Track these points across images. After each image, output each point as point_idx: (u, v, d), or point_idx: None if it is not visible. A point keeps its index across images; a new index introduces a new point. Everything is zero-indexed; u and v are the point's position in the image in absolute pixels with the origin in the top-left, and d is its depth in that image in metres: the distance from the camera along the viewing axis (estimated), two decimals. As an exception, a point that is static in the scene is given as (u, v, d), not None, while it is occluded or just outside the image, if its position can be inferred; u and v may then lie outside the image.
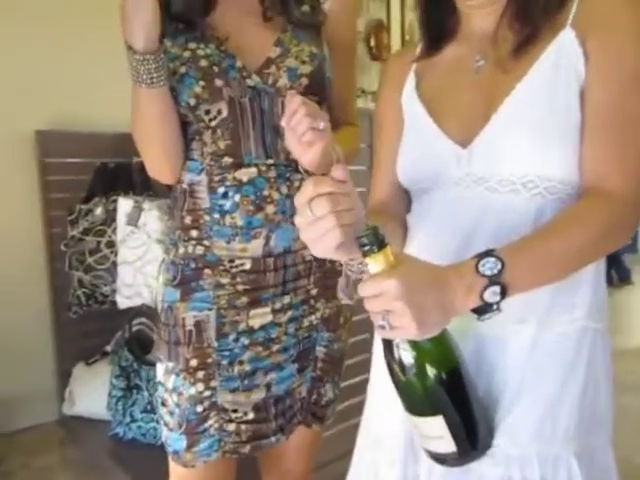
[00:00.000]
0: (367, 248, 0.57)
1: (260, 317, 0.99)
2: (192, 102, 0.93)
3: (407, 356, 0.60)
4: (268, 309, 0.99)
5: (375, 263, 0.58)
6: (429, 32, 0.81)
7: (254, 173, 0.95)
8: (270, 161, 0.96)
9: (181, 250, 1.00)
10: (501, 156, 0.70)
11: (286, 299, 1.01)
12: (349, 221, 0.59)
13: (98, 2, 2.25)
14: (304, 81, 0.96)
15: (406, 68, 0.85)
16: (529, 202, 0.69)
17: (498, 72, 0.72)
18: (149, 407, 1.85)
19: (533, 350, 0.69)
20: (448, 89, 0.78)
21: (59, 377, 2.20)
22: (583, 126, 0.67)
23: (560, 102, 0.67)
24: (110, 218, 1.97)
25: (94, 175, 2.10)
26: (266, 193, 0.95)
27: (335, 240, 0.58)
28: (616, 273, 5.18)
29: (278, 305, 1.00)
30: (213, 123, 0.95)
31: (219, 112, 0.94)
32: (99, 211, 1.99)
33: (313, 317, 1.04)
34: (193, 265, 0.98)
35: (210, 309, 0.97)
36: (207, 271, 0.97)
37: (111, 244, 1.96)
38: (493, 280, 0.59)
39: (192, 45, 0.94)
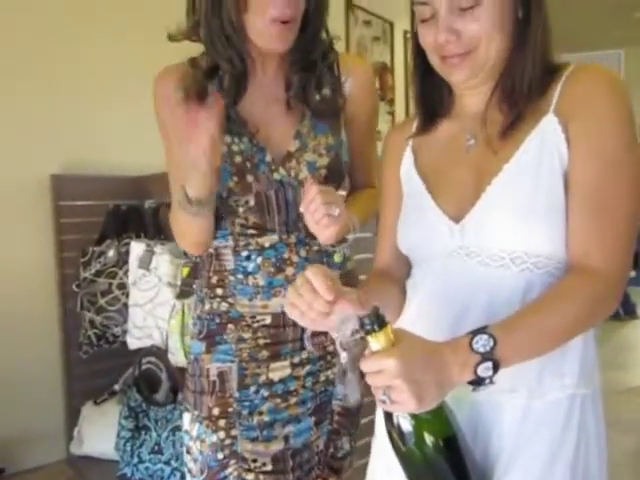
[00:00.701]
0: (369, 327, 0.62)
1: (279, 370, 1.04)
2: (224, 194, 1.01)
3: (407, 426, 0.65)
4: (287, 363, 1.04)
5: (376, 341, 0.62)
6: (424, 110, 0.88)
7: (275, 240, 1.02)
8: (292, 235, 1.04)
9: (207, 306, 1.07)
10: (490, 233, 0.75)
11: (304, 354, 1.06)
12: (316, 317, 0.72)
13: (113, 50, 2.36)
14: (323, 172, 1.03)
15: (404, 143, 0.91)
16: (518, 276, 0.74)
17: (487, 152, 0.78)
18: (157, 448, 1.88)
19: (526, 418, 0.73)
20: (443, 165, 0.84)
21: (68, 416, 2.22)
22: (568, 206, 0.72)
23: (544, 184, 0.73)
24: (122, 260, 2.03)
25: (106, 217, 2.16)
26: (286, 256, 1.02)
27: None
28: (622, 307, 5.18)
29: (297, 359, 1.05)
30: (240, 210, 1.02)
31: (247, 202, 1.01)
32: (111, 253, 2.05)
33: (329, 372, 1.09)
34: (218, 320, 1.05)
35: (232, 361, 1.04)
36: (230, 326, 1.04)
37: (122, 286, 2.01)
38: (486, 357, 0.64)
39: (227, 139, 1.00)
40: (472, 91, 0.82)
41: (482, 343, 0.64)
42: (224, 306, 1.05)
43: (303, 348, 1.06)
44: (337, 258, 0.88)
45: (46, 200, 2.20)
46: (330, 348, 1.08)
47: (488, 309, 0.74)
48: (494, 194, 0.75)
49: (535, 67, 0.76)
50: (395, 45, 4.09)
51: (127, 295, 1.98)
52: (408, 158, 0.90)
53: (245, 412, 1.03)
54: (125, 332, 1.99)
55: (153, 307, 1.84)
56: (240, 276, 1.03)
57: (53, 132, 2.20)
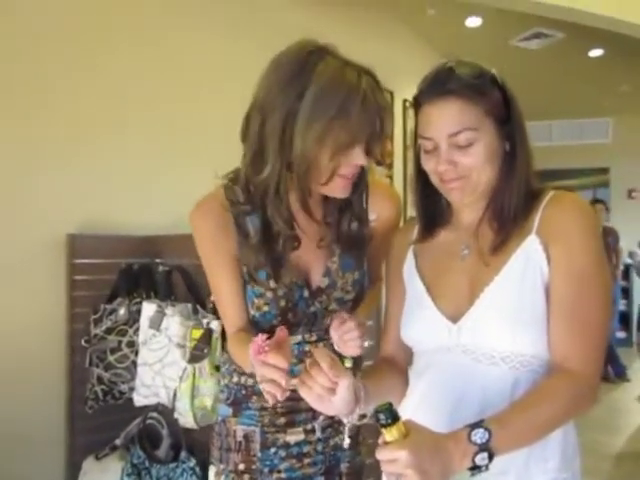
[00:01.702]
0: (383, 421, 0.73)
1: (295, 435, 1.17)
2: (267, 328, 1.10)
3: None
4: (301, 429, 1.17)
5: (389, 433, 0.73)
6: (425, 220, 1.01)
7: (299, 339, 1.14)
8: (314, 333, 1.15)
9: (235, 379, 1.19)
10: (483, 335, 0.87)
11: (316, 422, 1.17)
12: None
13: (125, 111, 2.52)
14: (349, 304, 1.15)
15: (407, 246, 1.05)
16: (507, 373, 0.86)
17: (480, 262, 0.91)
18: (157, 506, 1.92)
19: None
20: (441, 270, 0.97)
21: (68, 470, 2.26)
22: (549, 315, 0.85)
23: (528, 294, 0.86)
24: (132, 319, 2.11)
25: (119, 275, 2.25)
26: (306, 349, 1.14)
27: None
28: (612, 369, 5.25)
29: (309, 426, 1.17)
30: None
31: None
32: (122, 312, 2.13)
33: (337, 438, 1.20)
34: (244, 392, 1.18)
35: (256, 425, 1.16)
36: (254, 397, 1.17)
37: (132, 344, 2.09)
38: (482, 447, 0.74)
39: (272, 284, 1.08)
40: (467, 207, 0.95)
41: (479, 436, 0.75)
42: (250, 381, 1.17)
43: (315, 418, 1.17)
44: (347, 364, 0.98)
45: (61, 257, 2.30)
46: (337, 417, 1.16)
47: (481, 400, 0.85)
48: (486, 302, 0.88)
49: (519, 193, 0.90)
50: (395, 113, 4.31)
51: (136, 353, 2.06)
52: (410, 260, 1.03)
53: (266, 470, 1.16)
54: (132, 389, 2.06)
55: (162, 367, 1.91)
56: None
57: (71, 194, 2.33)
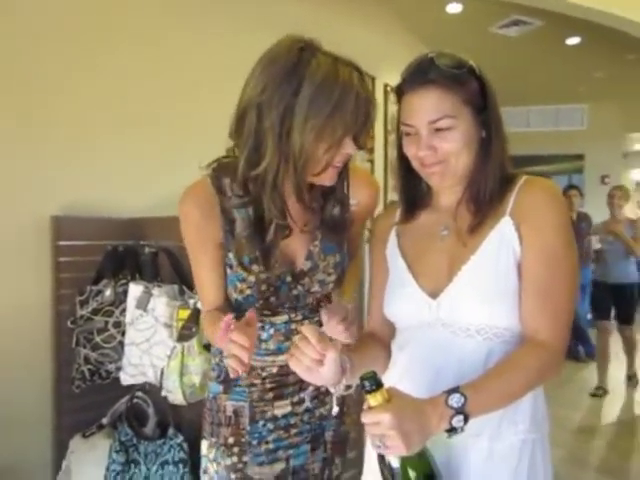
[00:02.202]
0: (368, 388, 0.80)
1: (282, 408, 1.24)
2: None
3: (396, 466, 0.81)
4: (288, 402, 1.24)
5: (373, 399, 0.80)
6: (406, 203, 1.07)
7: (286, 318, 1.21)
8: (299, 312, 1.21)
9: (225, 359, 1.19)
10: (460, 309, 0.95)
11: (303, 394, 1.25)
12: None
13: (112, 95, 2.52)
14: (331, 285, 1.21)
15: (389, 226, 1.11)
16: (482, 344, 0.94)
17: (458, 243, 0.99)
18: (146, 482, 1.97)
19: (488, 459, 0.91)
20: (422, 249, 1.04)
21: (56, 449, 2.29)
22: (521, 290, 0.93)
23: (501, 271, 0.93)
24: (118, 300, 2.15)
25: (104, 257, 2.28)
26: (293, 327, 1.20)
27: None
28: (583, 349, 5.44)
29: (296, 399, 1.25)
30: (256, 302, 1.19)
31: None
32: (108, 293, 2.16)
33: (322, 409, 1.28)
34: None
35: (245, 401, 1.23)
36: (243, 374, 1.16)
37: (118, 324, 2.13)
38: (458, 411, 0.82)
39: (255, 268, 1.13)
40: (446, 190, 1.01)
41: (455, 400, 0.82)
42: None
43: (301, 389, 1.25)
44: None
45: (46, 239, 2.31)
46: (322, 389, 1.26)
47: (458, 370, 0.93)
48: (463, 279, 0.95)
49: (495, 178, 0.98)
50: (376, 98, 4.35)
51: (122, 333, 2.10)
52: (393, 240, 1.09)
53: (255, 442, 1.23)
54: (118, 369, 2.10)
55: (149, 346, 1.96)
56: (255, 341, 1.16)
57: (53, 175, 2.34)
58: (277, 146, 1.03)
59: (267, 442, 1.24)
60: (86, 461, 2.14)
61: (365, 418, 0.80)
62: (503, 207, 0.96)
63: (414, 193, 1.07)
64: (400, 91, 1.00)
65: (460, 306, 0.94)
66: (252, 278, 1.14)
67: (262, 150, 1.05)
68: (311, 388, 1.23)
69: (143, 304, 1.99)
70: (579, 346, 5.39)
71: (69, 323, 2.19)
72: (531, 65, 5.85)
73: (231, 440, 1.23)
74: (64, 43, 2.36)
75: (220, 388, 1.26)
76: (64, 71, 2.36)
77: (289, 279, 1.17)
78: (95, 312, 2.14)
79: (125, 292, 2.10)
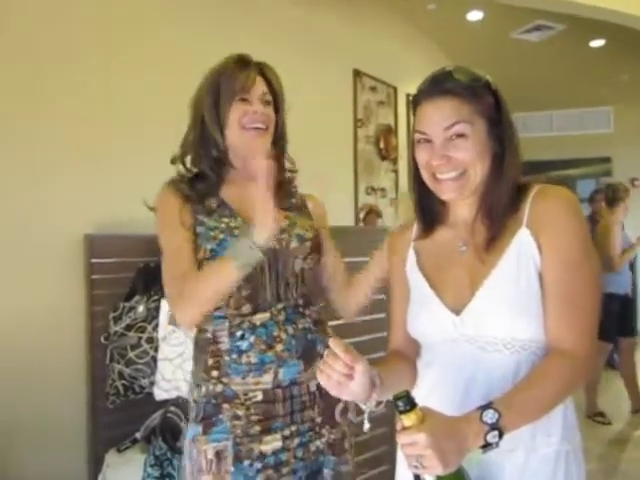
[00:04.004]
0: (401, 408, 0.80)
1: (271, 443, 1.14)
2: None
3: None
4: (278, 436, 1.14)
5: (408, 419, 0.80)
6: (423, 219, 1.07)
7: (267, 318, 1.15)
8: (280, 305, 1.17)
9: (203, 390, 1.17)
10: (485, 324, 0.94)
11: (294, 427, 1.16)
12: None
13: (140, 114, 2.57)
14: (308, 244, 1.22)
15: (407, 243, 1.11)
16: (509, 358, 0.93)
17: (477, 258, 0.98)
18: (180, 496, 1.98)
19: (523, 473, 0.91)
20: (441, 265, 1.04)
21: (92, 463, 2.33)
22: (543, 300, 0.92)
23: (523, 283, 0.92)
24: (151, 316, 2.17)
25: (136, 274, 2.31)
26: (275, 334, 1.15)
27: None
28: (618, 357, 5.29)
29: (287, 432, 1.15)
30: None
31: None
32: (141, 309, 2.19)
33: (319, 442, 1.19)
34: (214, 401, 1.15)
35: (227, 439, 1.12)
36: (225, 405, 1.14)
37: (151, 340, 2.15)
38: (493, 426, 0.81)
39: (225, 219, 1.19)
40: (460, 203, 1.02)
41: (489, 416, 0.82)
42: (219, 387, 1.15)
43: (293, 422, 1.15)
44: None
45: (80, 257, 2.36)
46: (318, 420, 1.20)
47: (488, 384, 0.93)
48: (485, 293, 0.95)
49: (507, 193, 0.97)
50: (399, 108, 4.35)
51: (155, 349, 2.12)
52: (412, 258, 1.09)
53: None
54: (152, 384, 2.12)
55: (182, 361, 1.98)
56: (234, 356, 1.14)
57: (87, 194, 2.39)
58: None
59: None
60: (121, 475, 2.17)
61: (400, 439, 0.80)
62: (519, 218, 0.96)
63: (430, 208, 1.07)
64: (416, 102, 1.00)
65: (485, 321, 0.94)
66: (223, 225, 1.17)
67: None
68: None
69: (175, 320, 2.02)
70: (614, 355, 5.26)
71: (103, 339, 2.23)
72: (554, 69, 5.78)
73: None
74: (95, 62, 2.43)
75: (199, 429, 1.14)
76: (97, 92, 2.43)
77: None
78: (128, 328, 2.17)
79: (157, 308, 2.13)
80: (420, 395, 1.00)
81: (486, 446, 0.82)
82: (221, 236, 1.16)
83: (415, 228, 1.11)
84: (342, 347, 0.88)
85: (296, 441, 1.15)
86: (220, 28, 2.99)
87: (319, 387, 1.14)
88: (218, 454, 1.11)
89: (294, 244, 1.20)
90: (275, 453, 1.13)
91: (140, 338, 2.16)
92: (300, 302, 1.21)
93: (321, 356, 1.15)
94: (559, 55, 5.33)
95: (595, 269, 0.94)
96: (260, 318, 1.15)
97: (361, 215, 4.13)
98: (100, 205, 2.42)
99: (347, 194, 4.04)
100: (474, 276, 0.97)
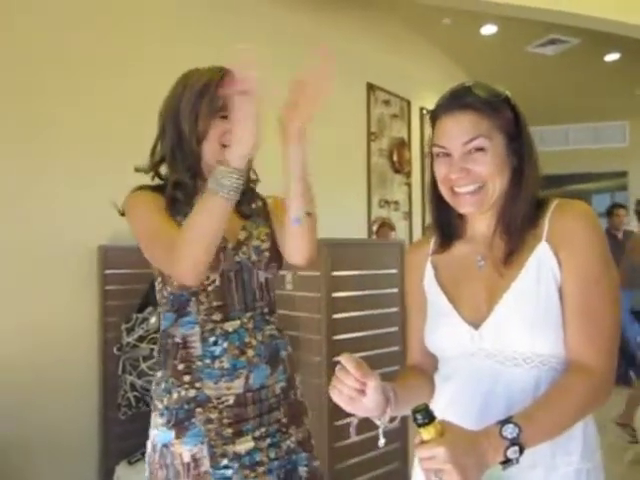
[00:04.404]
0: (420, 421, 0.78)
1: (244, 444, 1.15)
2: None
3: None
4: (249, 437, 1.16)
5: (427, 432, 0.78)
6: (441, 233, 1.07)
7: (237, 325, 1.18)
8: (249, 314, 1.19)
9: (175, 395, 1.16)
10: (504, 339, 0.93)
11: (263, 428, 1.18)
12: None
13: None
14: (266, 254, 1.22)
15: (424, 258, 1.10)
16: (529, 372, 0.91)
17: (495, 272, 0.97)
18: (190, 509, 1.97)
19: None
20: (460, 280, 1.02)
21: (102, 474, 2.32)
22: (563, 315, 0.91)
23: (543, 298, 0.91)
24: (163, 327, 2.18)
25: (150, 285, 2.32)
26: (247, 340, 1.17)
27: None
28: (634, 373, 5.21)
29: (257, 434, 1.17)
30: (209, 288, 1.17)
31: (214, 281, 1.17)
32: (153, 320, 2.20)
33: (289, 441, 1.21)
34: (186, 407, 1.15)
35: (203, 442, 1.14)
36: (199, 409, 1.15)
37: (163, 351, 2.16)
38: (513, 442, 0.79)
39: None
40: (479, 217, 1.02)
41: (509, 431, 0.79)
42: (192, 392, 1.15)
43: (262, 424, 1.18)
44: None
45: (93, 268, 2.38)
46: (284, 420, 1.21)
47: (507, 399, 0.91)
48: (504, 308, 0.93)
49: (526, 207, 0.96)
50: (412, 121, 4.36)
51: (167, 360, 2.12)
52: (430, 272, 1.08)
53: None
54: (164, 395, 2.12)
55: (194, 373, 1.97)
56: (208, 361, 1.15)
57: (100, 206, 2.40)
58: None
59: None
60: (132, 488, 2.17)
61: (420, 453, 0.78)
62: (538, 232, 0.94)
63: (448, 222, 1.06)
64: (435, 116, 1.00)
65: (504, 335, 0.92)
66: None
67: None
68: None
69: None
70: (630, 371, 5.17)
71: (115, 350, 2.24)
72: (569, 83, 5.77)
73: None
74: (117, 71, 2.46)
75: (172, 435, 1.14)
76: (118, 105, 2.46)
77: (230, 246, 1.19)
78: (141, 339, 2.18)
79: (170, 319, 2.13)
80: (437, 409, 0.98)
81: (506, 462, 0.80)
82: None
83: (432, 243, 1.10)
84: (353, 363, 0.87)
85: (267, 441, 1.18)
86: (230, 40, 3.02)
87: (283, 389, 1.21)
88: (194, 457, 1.13)
89: (254, 257, 1.22)
90: (249, 453, 1.15)
91: (152, 350, 2.16)
92: (265, 310, 1.23)
93: (283, 361, 1.22)
94: (574, 69, 5.32)
95: (615, 283, 0.93)
96: (232, 325, 1.17)
97: (374, 228, 4.13)
98: (114, 217, 2.43)
99: (360, 207, 4.06)
100: (493, 290, 0.96)
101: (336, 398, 0.89)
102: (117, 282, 2.41)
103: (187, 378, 1.16)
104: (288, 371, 1.23)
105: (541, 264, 0.92)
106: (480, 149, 0.93)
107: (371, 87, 4.02)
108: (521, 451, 0.80)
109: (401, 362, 1.18)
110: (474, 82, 0.98)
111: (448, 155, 0.96)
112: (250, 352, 1.17)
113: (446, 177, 0.97)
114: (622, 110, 6.82)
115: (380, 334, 2.24)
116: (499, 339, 0.93)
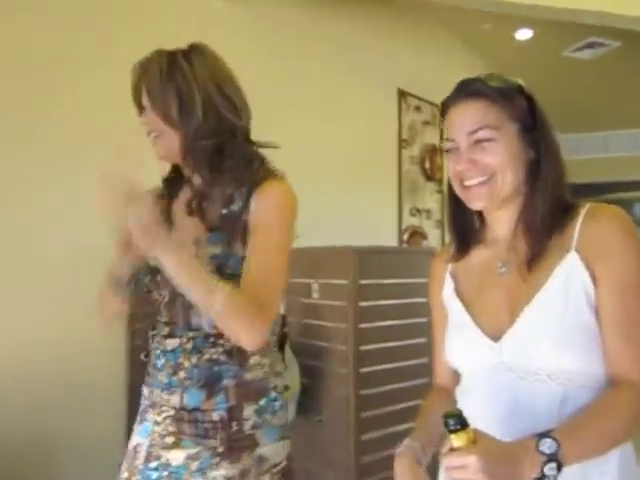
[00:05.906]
0: (452, 427, 0.72)
1: (176, 456, 1.14)
2: (151, 287, 1.20)
3: None
4: (184, 454, 1.13)
5: (458, 439, 0.72)
6: (458, 238, 1.01)
7: (177, 343, 1.15)
8: (192, 334, 1.14)
9: (143, 390, 1.25)
10: (525, 354, 0.86)
11: (199, 448, 1.12)
12: None
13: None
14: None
15: (444, 268, 1.04)
16: (555, 389, 0.85)
17: (518, 279, 0.91)
18: None
19: None
20: (479, 288, 0.97)
21: None
22: (602, 333, 0.84)
23: (570, 312, 0.84)
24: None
25: (176, 293, 2.32)
26: (180, 361, 1.14)
27: None
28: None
29: (193, 452, 1.13)
30: (162, 303, 1.21)
31: (164, 297, 1.19)
32: (179, 328, 2.19)
33: (217, 473, 1.11)
34: (146, 402, 1.23)
35: (146, 438, 1.18)
36: (150, 409, 1.20)
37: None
38: (551, 457, 0.73)
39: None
40: (498, 217, 0.95)
41: (547, 445, 0.74)
42: (147, 391, 1.23)
43: (198, 444, 1.13)
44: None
45: (122, 275, 2.39)
46: (220, 449, 1.12)
47: (530, 416, 0.84)
48: (527, 320, 0.87)
49: (546, 206, 0.89)
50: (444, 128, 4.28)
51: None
52: (449, 283, 1.03)
53: None
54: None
55: (219, 382, 1.95)
56: (154, 371, 1.20)
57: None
58: None
59: None
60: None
61: (449, 461, 0.72)
62: (567, 241, 0.88)
63: (465, 226, 1.01)
64: (444, 110, 0.96)
65: (525, 349, 0.86)
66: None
67: None
68: None
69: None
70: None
71: (142, 357, 2.22)
72: (608, 88, 5.59)
73: (125, 474, 1.18)
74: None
75: (138, 418, 1.23)
76: (113, 108, 2.47)
77: None
78: (167, 347, 2.16)
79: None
80: None
81: (541, 478, 0.74)
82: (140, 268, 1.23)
83: (452, 250, 1.05)
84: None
85: (196, 465, 1.13)
86: (232, 40, 3.02)
87: (221, 418, 1.11)
88: (135, 449, 1.19)
89: None
90: (178, 468, 1.15)
91: (178, 357, 2.15)
92: (213, 332, 1.13)
93: (225, 389, 1.11)
94: (613, 73, 5.15)
95: None
96: (171, 343, 1.17)
97: (405, 236, 4.05)
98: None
99: (391, 215, 3.99)
100: (515, 299, 0.90)
101: None
102: (145, 289, 2.41)
103: (147, 379, 1.24)
104: (232, 401, 1.12)
105: (570, 276, 0.86)
106: (487, 140, 0.89)
107: (402, 93, 3.97)
108: (559, 468, 0.73)
109: (430, 374, 1.13)
110: (486, 74, 0.94)
111: (457, 149, 0.92)
112: (182, 374, 1.15)
113: (455, 170, 0.93)
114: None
115: (409, 345, 2.18)
116: (520, 353, 0.87)
